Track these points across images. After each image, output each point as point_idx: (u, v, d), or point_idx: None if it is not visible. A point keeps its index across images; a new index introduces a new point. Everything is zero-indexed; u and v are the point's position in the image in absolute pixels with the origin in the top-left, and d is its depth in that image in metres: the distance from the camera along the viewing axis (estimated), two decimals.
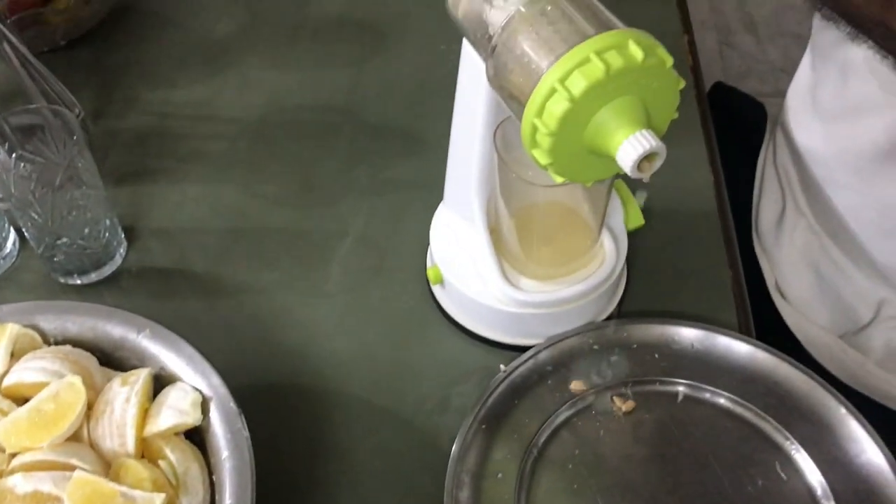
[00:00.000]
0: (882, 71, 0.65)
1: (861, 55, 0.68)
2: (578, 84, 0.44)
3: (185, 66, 0.83)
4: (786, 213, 0.81)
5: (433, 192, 0.65)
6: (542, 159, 0.47)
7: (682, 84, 0.47)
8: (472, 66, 0.55)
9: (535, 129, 0.46)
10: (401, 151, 0.76)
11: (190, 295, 0.67)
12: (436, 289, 0.65)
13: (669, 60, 0.46)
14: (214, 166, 0.75)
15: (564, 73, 0.45)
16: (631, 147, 0.44)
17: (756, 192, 0.86)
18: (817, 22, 0.74)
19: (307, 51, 0.84)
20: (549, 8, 0.48)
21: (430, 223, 0.65)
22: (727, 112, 0.92)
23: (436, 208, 0.65)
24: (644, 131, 0.45)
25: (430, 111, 0.77)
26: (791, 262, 0.79)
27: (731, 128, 0.91)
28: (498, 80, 0.51)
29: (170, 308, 0.66)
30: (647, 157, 0.45)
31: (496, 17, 0.51)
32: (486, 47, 0.51)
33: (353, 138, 0.76)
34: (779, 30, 1.99)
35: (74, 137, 0.61)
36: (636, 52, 0.44)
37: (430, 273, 0.63)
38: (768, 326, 0.80)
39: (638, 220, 0.64)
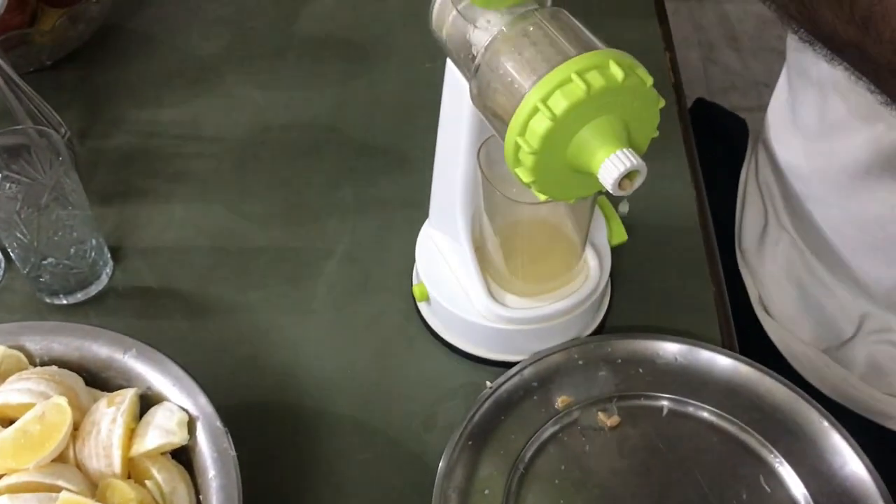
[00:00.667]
0: (858, 90, 0.66)
1: (838, 74, 0.69)
2: (560, 104, 0.45)
3: (172, 85, 0.83)
4: (768, 229, 0.82)
5: (418, 209, 0.66)
6: (525, 177, 0.47)
7: (663, 103, 0.48)
8: (455, 85, 0.56)
9: (517, 148, 0.47)
10: (386, 169, 0.76)
11: (176, 314, 0.67)
12: (421, 306, 0.65)
13: (649, 80, 0.46)
14: (200, 186, 0.75)
15: (546, 93, 0.45)
16: (612, 165, 0.45)
17: (739, 207, 0.87)
18: (793, 42, 0.76)
19: (293, 70, 0.85)
20: (531, 28, 0.49)
21: (415, 241, 0.65)
22: (709, 128, 0.93)
23: (421, 226, 0.66)
24: (625, 150, 0.45)
25: (415, 129, 0.77)
26: (774, 278, 0.80)
27: (713, 143, 0.92)
28: (481, 99, 0.51)
29: (156, 327, 0.66)
30: (628, 175, 0.45)
31: (479, 38, 0.51)
32: (470, 67, 0.52)
33: (339, 157, 0.77)
34: (760, 45, 2.01)
35: (60, 158, 0.61)
36: (617, 72, 0.45)
37: (416, 290, 0.63)
38: (752, 341, 0.81)
39: (621, 236, 0.65)
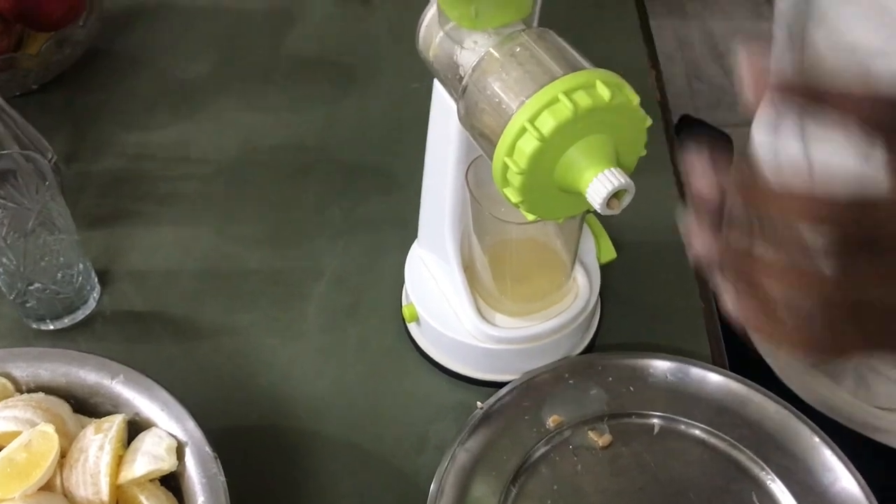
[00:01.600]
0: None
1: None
2: (547, 123, 0.45)
3: (159, 108, 0.83)
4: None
5: (407, 229, 0.65)
6: (514, 197, 0.48)
7: (649, 122, 0.48)
8: (442, 105, 0.56)
9: (506, 168, 0.47)
10: (375, 190, 0.76)
11: (165, 338, 0.67)
12: (411, 327, 0.65)
13: (636, 99, 0.46)
14: (189, 208, 0.75)
15: (534, 113, 0.45)
16: (600, 184, 0.45)
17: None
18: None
19: (280, 91, 0.85)
20: (518, 49, 0.49)
21: (404, 261, 0.65)
22: (695, 144, 0.93)
23: (410, 246, 0.66)
24: (613, 169, 0.46)
25: (404, 149, 0.77)
26: None
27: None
28: (469, 119, 0.51)
29: (144, 352, 0.66)
30: (616, 194, 0.46)
31: (467, 59, 0.52)
32: (457, 87, 0.52)
33: (328, 177, 0.77)
34: None
35: (47, 183, 0.61)
36: (603, 92, 0.45)
37: (406, 311, 0.63)
38: (742, 357, 0.81)
39: (610, 253, 0.65)
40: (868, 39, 0.61)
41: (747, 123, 0.86)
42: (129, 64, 0.88)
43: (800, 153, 0.74)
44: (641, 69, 0.86)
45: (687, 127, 0.97)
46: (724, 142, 0.94)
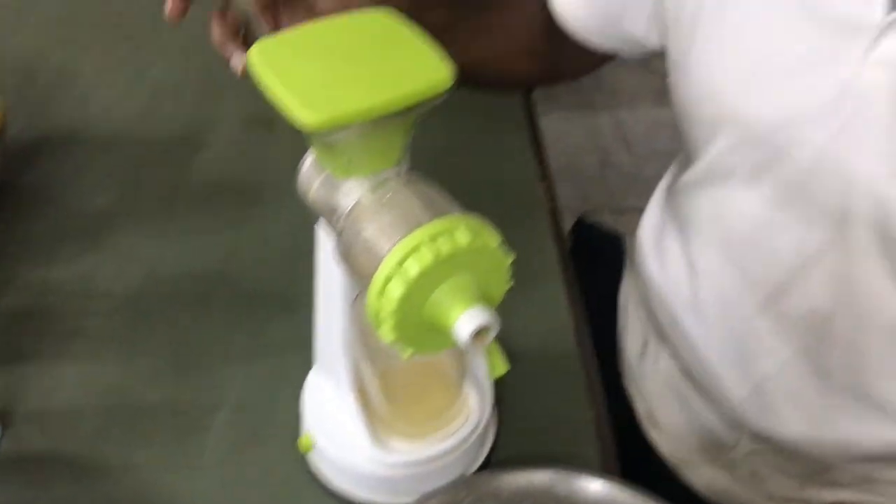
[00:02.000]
0: (721, 232, 0.73)
1: (703, 215, 0.75)
2: (412, 269, 0.48)
3: (62, 242, 0.84)
4: (648, 346, 0.86)
5: (308, 356, 0.67)
6: (387, 336, 0.50)
7: (510, 259, 0.51)
8: (327, 239, 0.59)
9: (378, 310, 0.50)
10: (277, 315, 0.78)
11: (68, 479, 0.67)
12: (310, 455, 0.66)
13: (494, 242, 0.50)
14: (91, 344, 0.75)
15: (400, 259, 0.48)
16: (465, 323, 0.48)
17: (620, 324, 0.91)
18: (667, 179, 0.82)
19: (184, 219, 0.87)
20: (388, 196, 0.53)
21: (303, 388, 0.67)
22: (588, 247, 0.98)
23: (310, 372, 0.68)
24: (476, 308, 0.49)
25: (306, 272, 0.78)
26: (658, 392, 0.84)
27: (594, 263, 0.97)
28: (345, 259, 0.54)
29: (47, 496, 0.65)
30: (482, 331, 0.49)
31: (342, 203, 0.55)
32: (335, 228, 0.55)
33: (229, 305, 0.79)
34: (652, 148, 2.13)
35: None
36: (463, 237, 0.49)
37: (302, 441, 0.64)
38: (643, 456, 0.84)
39: (501, 368, 0.67)
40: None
41: None
42: (34, 198, 0.89)
43: (680, 256, 0.79)
44: (532, 180, 0.90)
45: (582, 231, 1.01)
46: (618, 245, 0.98)
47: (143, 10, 1.10)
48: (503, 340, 0.69)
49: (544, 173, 0.93)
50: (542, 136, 0.99)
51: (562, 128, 2.08)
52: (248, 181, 0.91)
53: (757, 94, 0.67)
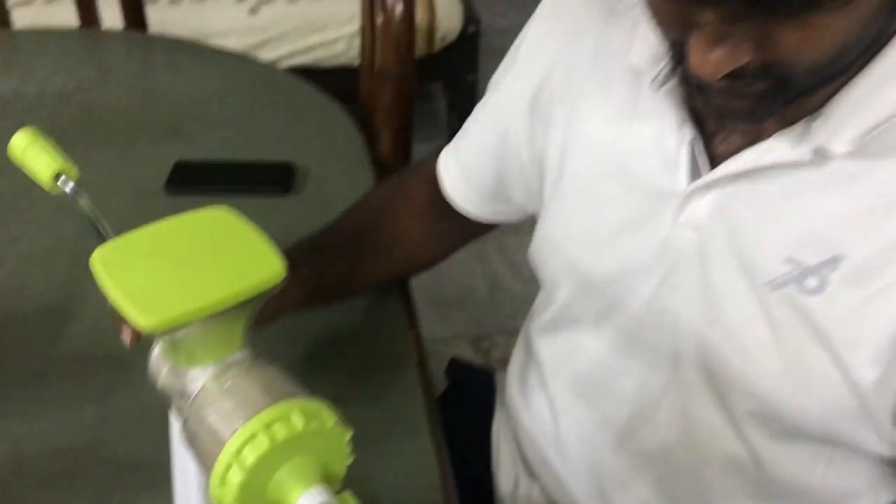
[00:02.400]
0: (577, 375, 0.80)
1: (557, 355, 0.82)
2: (249, 458, 0.50)
3: None
4: (520, 480, 0.90)
5: None
6: None
7: (348, 435, 0.54)
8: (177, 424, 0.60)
9: (221, 498, 0.52)
10: (147, 485, 0.78)
11: None
12: None
13: (331, 421, 0.53)
14: None
15: (238, 448, 0.51)
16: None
17: (494, 460, 0.95)
18: (533, 326, 0.87)
19: (52, 393, 0.87)
20: (229, 384, 0.55)
21: None
22: (461, 388, 1.02)
23: None
24: (315, 488, 0.51)
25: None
26: None
27: (467, 401, 1.00)
28: (192, 445, 0.56)
29: None
30: None
31: (189, 388, 0.57)
32: (182, 415, 0.57)
33: (98, 479, 0.78)
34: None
35: None
36: (298, 421, 0.51)
37: None
38: None
39: None
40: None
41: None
42: None
43: (541, 395, 0.84)
44: (402, 329, 0.94)
45: (455, 371, 1.05)
46: (489, 383, 1.02)
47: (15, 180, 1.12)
48: (371, 497, 0.71)
49: (412, 322, 0.97)
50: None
51: (452, 255, 2.14)
52: (119, 348, 0.91)
53: (590, 250, 0.74)
